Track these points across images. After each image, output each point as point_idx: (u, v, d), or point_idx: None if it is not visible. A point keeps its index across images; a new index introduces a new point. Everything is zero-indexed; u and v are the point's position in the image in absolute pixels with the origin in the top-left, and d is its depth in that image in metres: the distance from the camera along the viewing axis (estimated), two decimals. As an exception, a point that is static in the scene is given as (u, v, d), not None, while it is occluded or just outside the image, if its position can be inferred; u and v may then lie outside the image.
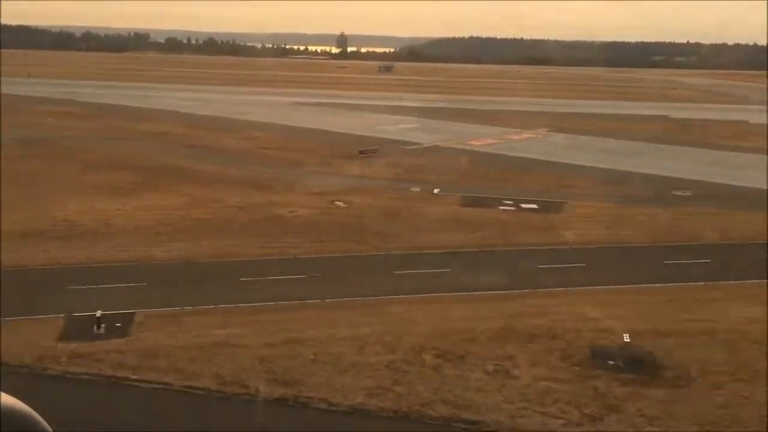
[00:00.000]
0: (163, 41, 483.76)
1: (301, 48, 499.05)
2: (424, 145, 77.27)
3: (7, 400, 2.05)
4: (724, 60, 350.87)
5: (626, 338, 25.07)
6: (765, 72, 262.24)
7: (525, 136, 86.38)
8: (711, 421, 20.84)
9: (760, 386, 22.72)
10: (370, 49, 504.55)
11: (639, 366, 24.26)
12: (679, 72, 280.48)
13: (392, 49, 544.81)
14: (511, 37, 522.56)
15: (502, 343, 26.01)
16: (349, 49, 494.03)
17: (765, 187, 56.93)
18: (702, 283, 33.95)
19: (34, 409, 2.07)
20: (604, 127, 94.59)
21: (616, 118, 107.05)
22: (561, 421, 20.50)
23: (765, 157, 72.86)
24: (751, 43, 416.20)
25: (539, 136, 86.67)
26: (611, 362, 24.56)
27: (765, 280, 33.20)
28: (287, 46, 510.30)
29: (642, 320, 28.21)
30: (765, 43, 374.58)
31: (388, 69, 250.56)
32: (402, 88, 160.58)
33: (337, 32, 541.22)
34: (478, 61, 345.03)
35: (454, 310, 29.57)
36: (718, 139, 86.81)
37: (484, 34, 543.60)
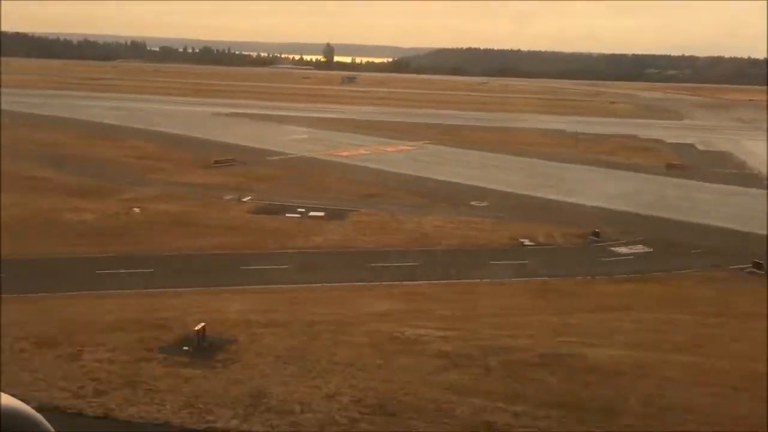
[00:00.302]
0: (157, 49, 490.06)
1: (297, 57, 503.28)
2: (291, 156, 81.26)
3: (8, 400, 2.03)
4: (715, 73, 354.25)
5: (199, 327, 28.83)
6: (730, 86, 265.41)
7: (401, 148, 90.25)
8: (206, 390, 24.54)
9: (284, 365, 26.53)
10: (370, 59, 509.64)
11: (207, 352, 28.14)
12: (649, 86, 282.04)
13: (389, 59, 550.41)
14: (509, 49, 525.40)
15: (113, 332, 29.85)
16: (338, 59, 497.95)
17: (564, 200, 60.99)
18: (359, 283, 38.01)
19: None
20: (490, 140, 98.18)
21: (514, 132, 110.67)
22: (68, 393, 24.30)
23: (604, 170, 76.93)
24: (746, 56, 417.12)
25: (413, 148, 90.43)
26: (186, 348, 28.44)
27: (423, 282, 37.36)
28: (282, 56, 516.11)
29: (258, 313, 32.05)
30: (760, 56, 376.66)
31: (351, 80, 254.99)
32: (343, 99, 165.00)
33: (343, 41, 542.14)
34: (462, 73, 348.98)
35: (110, 304, 33.47)
36: (586, 153, 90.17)
37: (482, 46, 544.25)
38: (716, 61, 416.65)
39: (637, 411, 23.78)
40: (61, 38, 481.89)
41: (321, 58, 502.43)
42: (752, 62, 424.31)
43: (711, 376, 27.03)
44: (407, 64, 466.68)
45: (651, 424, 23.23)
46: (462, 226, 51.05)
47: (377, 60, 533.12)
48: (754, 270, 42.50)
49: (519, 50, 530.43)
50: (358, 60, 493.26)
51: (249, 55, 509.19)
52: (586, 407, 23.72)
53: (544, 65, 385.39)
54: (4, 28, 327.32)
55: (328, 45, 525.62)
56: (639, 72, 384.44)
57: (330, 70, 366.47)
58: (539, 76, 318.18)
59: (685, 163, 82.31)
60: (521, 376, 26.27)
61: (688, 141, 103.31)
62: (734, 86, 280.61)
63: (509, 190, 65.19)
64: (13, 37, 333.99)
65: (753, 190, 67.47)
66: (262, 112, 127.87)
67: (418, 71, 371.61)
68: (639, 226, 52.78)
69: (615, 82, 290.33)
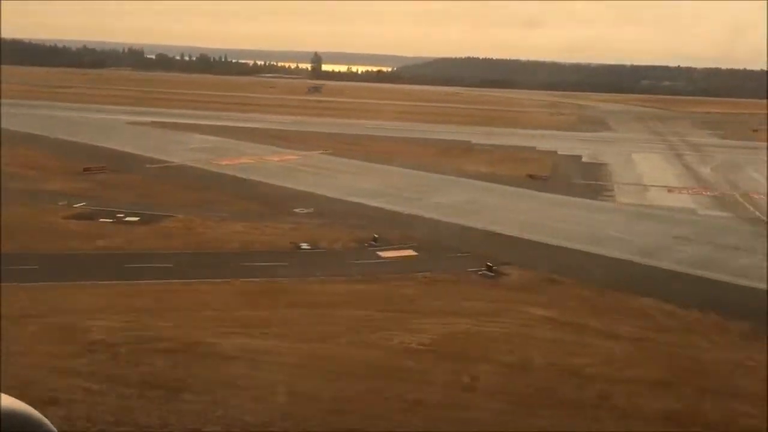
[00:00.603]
0: (153, 57, 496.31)
1: (294, 66, 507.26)
2: (169, 165, 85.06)
3: (8, 401, 2.04)
4: (709, 85, 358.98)
5: None
6: (711, 98, 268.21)
7: (287, 158, 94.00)
8: None
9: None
10: (371, 68, 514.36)
11: None
12: (624, 97, 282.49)
13: (391, 68, 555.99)
14: (509, 58, 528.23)
15: None
16: (333, 68, 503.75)
17: (391, 209, 64.58)
18: (87, 282, 41.62)
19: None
20: (390, 151, 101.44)
21: (420, 142, 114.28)
22: None
23: (463, 180, 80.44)
24: (741, 68, 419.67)
25: (299, 158, 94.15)
26: None
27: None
28: (279, 64, 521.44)
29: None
30: (756, 68, 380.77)
31: (316, 90, 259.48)
32: (286, 109, 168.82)
33: (349, 51, 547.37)
34: (454, 83, 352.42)
35: None
36: (465, 164, 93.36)
37: (481, 55, 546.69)
38: (713, 73, 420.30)
39: (196, 387, 27.37)
40: (60, 45, 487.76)
41: (309, 66, 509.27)
42: (747, 74, 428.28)
43: (311, 361, 30.62)
44: (398, 74, 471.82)
45: (206, 400, 26.79)
46: (259, 232, 54.58)
47: (375, 69, 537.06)
48: (486, 272, 46.05)
49: (518, 60, 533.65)
50: (354, 69, 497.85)
51: (246, 64, 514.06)
52: (149, 383, 27.32)
53: (541, 76, 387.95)
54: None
55: (315, 54, 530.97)
56: (635, 83, 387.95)
57: (318, 80, 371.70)
58: (531, 87, 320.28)
59: (548, 175, 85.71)
60: (133, 361, 29.87)
61: (581, 153, 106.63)
62: (715, 99, 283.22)
63: (350, 198, 68.65)
64: (8, 44, 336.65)
65: (579, 200, 70.96)
66: (188, 121, 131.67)
67: (411, 81, 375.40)
68: (432, 231, 56.40)
69: (598, 94, 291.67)
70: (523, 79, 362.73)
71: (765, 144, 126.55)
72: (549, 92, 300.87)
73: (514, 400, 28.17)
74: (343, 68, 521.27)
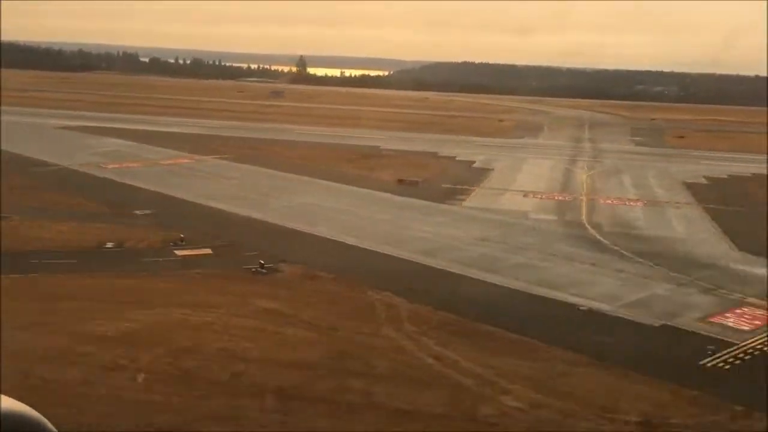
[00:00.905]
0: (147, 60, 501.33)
1: (285, 69, 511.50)
2: (57, 168, 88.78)
3: (8, 402, 2.08)
4: (699, 90, 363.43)
5: None
6: (689, 105, 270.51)
7: (180, 161, 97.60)
8: None
9: None
10: (366, 72, 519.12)
11: None
12: (592, 103, 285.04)
13: (387, 72, 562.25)
14: (504, 63, 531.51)
15: None
16: (327, 72, 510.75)
17: (233, 211, 68.15)
18: None
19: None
20: (289, 156, 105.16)
21: (334, 148, 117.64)
22: None
23: (335, 185, 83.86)
24: (734, 74, 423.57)
25: (190, 162, 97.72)
26: None
27: None
28: (272, 68, 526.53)
29: None
30: (748, 74, 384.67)
31: (278, 94, 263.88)
32: (234, 114, 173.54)
33: (348, 54, 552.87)
34: (431, 88, 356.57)
35: None
36: (353, 169, 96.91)
37: (477, 60, 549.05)
38: (706, 78, 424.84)
39: None
40: (55, 48, 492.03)
41: (294, 69, 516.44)
42: (740, 79, 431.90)
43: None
44: (387, 78, 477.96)
45: None
46: (78, 232, 58.04)
47: (373, 73, 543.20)
48: (259, 269, 49.58)
49: (514, 65, 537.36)
50: (348, 73, 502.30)
51: (240, 67, 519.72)
52: None
53: (531, 81, 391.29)
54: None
55: (301, 58, 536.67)
56: (628, 88, 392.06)
57: (305, 84, 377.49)
58: (515, 92, 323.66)
59: (420, 180, 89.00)
60: None
61: (478, 159, 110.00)
62: (698, 105, 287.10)
63: (198, 200, 72.10)
64: (5, 46, 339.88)
65: (425, 203, 74.24)
66: (119, 125, 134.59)
67: (398, 86, 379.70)
68: (250, 231, 60.02)
69: (574, 99, 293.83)
70: (511, 84, 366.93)
71: (674, 150, 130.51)
72: (524, 97, 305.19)
73: (151, 377, 31.66)
74: (336, 72, 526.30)
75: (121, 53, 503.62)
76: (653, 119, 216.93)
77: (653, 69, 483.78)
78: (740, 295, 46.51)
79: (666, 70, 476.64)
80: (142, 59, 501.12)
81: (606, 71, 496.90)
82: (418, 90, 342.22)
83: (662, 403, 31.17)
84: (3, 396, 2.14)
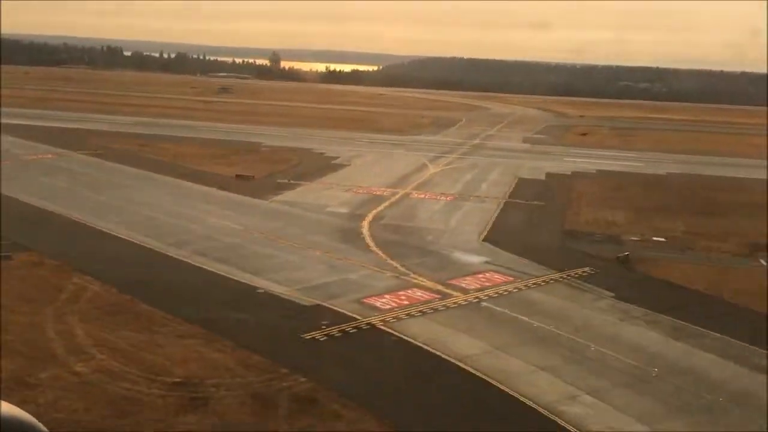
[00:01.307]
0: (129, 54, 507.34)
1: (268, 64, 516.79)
2: None
3: (6, 408, 2.20)
4: (684, 87, 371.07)
5: None
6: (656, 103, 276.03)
7: (43, 157, 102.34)
8: None
9: None
10: (355, 67, 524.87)
11: None
12: (554, 100, 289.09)
13: (376, 67, 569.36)
14: (493, 59, 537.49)
15: None
16: (316, 66, 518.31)
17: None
18: None
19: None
20: (173, 153, 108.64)
21: (221, 145, 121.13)
22: None
23: (170, 179, 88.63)
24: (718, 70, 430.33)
25: (53, 158, 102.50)
26: None
27: None
28: (256, 62, 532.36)
29: None
30: (728, 70, 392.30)
31: (225, 90, 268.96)
32: (160, 109, 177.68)
33: (340, 49, 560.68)
34: (402, 84, 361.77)
35: None
36: (214, 165, 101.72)
37: (467, 55, 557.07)
38: (693, 75, 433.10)
39: None
40: (38, 41, 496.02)
41: (267, 63, 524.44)
42: (724, 76, 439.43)
43: None
44: (369, 75, 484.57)
45: None
46: None
47: (362, 68, 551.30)
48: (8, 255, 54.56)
49: (503, 60, 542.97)
50: (332, 67, 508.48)
51: (224, 62, 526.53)
52: None
53: (518, 77, 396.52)
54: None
55: (274, 53, 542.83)
56: (615, 85, 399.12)
57: (276, 80, 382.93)
58: (485, 89, 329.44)
59: (266, 175, 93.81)
60: None
61: (347, 155, 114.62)
62: (673, 103, 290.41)
63: (11, 194, 76.54)
64: None
65: (241, 198, 78.73)
66: (28, 122, 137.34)
67: (370, 83, 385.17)
68: (23, 223, 64.64)
69: (538, 96, 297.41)
70: (484, 80, 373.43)
71: (557, 148, 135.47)
72: (483, 93, 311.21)
73: None
74: (321, 67, 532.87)
75: (105, 48, 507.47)
76: (582, 116, 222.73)
77: (645, 65, 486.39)
78: (410, 279, 51.33)
79: (658, 66, 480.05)
80: (125, 53, 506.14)
81: (593, 66, 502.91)
82: (394, 87, 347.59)
83: (220, 366, 36.05)
84: (3, 402, 2.30)
